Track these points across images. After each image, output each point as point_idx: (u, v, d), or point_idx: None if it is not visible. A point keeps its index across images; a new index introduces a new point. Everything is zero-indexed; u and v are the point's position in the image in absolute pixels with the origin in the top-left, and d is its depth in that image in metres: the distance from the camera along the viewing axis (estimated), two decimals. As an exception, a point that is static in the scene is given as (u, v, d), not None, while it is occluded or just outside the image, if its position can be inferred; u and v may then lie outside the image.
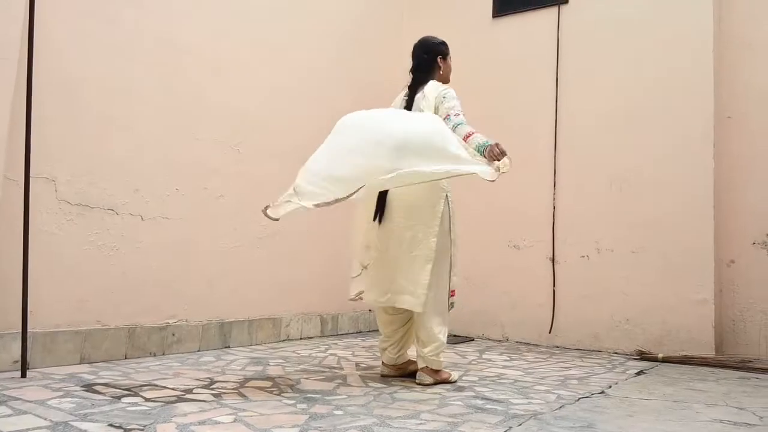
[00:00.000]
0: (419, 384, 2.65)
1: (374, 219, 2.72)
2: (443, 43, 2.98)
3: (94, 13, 2.90)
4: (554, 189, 4.20)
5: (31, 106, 2.57)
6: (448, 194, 2.74)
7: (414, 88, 2.88)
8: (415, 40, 3.01)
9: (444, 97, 2.75)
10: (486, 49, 4.62)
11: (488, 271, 4.40)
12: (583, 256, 4.06)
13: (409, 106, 2.84)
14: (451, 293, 2.76)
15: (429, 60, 2.92)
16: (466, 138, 2.61)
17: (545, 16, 4.39)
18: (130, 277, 3.03)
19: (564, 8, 4.31)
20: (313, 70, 4.13)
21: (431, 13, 4.90)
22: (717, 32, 3.81)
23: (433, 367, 2.67)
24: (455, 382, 2.73)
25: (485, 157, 2.55)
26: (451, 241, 2.74)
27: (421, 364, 2.69)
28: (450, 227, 2.74)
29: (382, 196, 2.71)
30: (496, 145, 2.54)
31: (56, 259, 2.75)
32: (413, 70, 2.93)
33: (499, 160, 2.50)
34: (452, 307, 2.78)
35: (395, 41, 4.87)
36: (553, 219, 4.19)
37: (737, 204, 3.75)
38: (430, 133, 2.51)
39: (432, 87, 2.81)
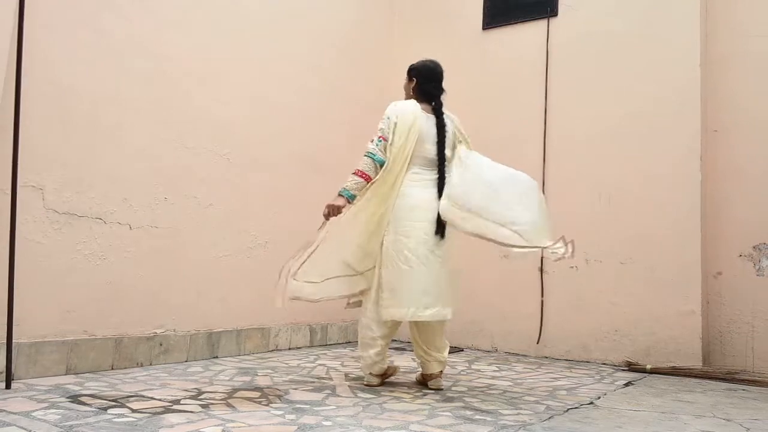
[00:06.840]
0: (437, 389, 2.76)
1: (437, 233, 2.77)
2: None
3: (83, 24, 2.89)
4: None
5: (19, 115, 2.56)
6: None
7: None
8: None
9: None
10: (476, 61, 4.64)
11: (477, 282, 4.41)
12: (572, 267, 4.07)
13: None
14: None
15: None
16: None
17: (535, 29, 4.43)
18: (117, 286, 3.01)
19: (553, 21, 4.35)
20: (303, 81, 4.13)
21: (421, 26, 4.93)
22: (704, 47, 3.87)
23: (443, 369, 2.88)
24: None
25: None
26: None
27: (437, 369, 2.82)
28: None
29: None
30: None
31: (43, 269, 2.72)
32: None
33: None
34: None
35: (385, 54, 4.90)
36: (542, 230, 4.20)
37: (724, 216, 3.79)
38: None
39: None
